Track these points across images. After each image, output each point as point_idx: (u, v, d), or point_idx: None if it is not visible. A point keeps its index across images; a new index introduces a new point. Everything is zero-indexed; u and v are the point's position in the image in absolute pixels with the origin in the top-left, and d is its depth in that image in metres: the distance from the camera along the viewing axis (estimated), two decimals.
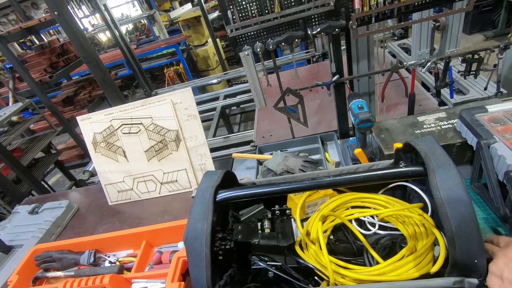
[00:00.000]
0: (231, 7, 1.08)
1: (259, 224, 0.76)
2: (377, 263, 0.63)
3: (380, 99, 1.45)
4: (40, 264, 1.11)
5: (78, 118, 1.40)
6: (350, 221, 0.72)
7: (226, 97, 2.94)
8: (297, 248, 0.70)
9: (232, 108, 3.11)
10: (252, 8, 1.08)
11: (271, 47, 1.14)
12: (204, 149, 1.34)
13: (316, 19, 1.09)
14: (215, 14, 5.51)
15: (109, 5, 3.12)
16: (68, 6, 2.35)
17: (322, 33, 1.09)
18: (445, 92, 1.61)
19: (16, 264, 1.11)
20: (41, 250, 1.13)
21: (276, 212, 0.78)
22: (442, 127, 1.07)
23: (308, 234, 0.71)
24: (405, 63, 1.24)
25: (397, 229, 0.69)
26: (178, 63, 5.15)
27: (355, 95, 1.14)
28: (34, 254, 1.12)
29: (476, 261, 0.49)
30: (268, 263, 0.69)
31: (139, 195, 1.43)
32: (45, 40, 3.47)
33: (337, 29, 1.08)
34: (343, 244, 0.71)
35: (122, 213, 1.39)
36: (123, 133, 1.36)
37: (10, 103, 2.75)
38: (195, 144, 1.33)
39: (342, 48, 1.19)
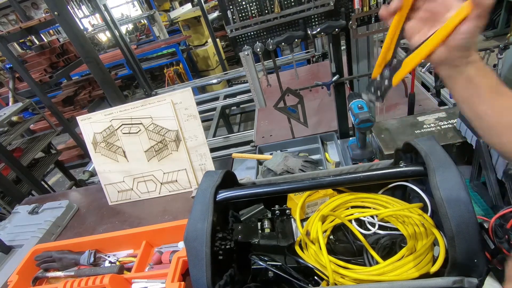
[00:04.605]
0: (231, 7, 1.08)
1: (259, 224, 0.76)
2: (377, 263, 0.63)
3: None
4: (40, 264, 1.11)
5: (78, 118, 1.40)
6: (350, 221, 0.72)
7: (226, 97, 2.94)
8: (297, 248, 0.70)
9: (232, 108, 3.11)
10: (252, 8, 1.08)
11: (271, 47, 1.14)
12: (204, 149, 1.34)
13: (316, 19, 1.09)
14: (215, 14, 5.51)
15: (109, 5, 3.12)
16: (68, 6, 2.35)
17: (322, 33, 1.09)
18: (445, 92, 1.61)
19: (16, 264, 1.11)
20: (41, 250, 1.13)
21: (276, 212, 0.78)
22: (442, 127, 1.07)
23: (308, 234, 0.71)
24: None
25: (397, 229, 0.69)
26: (178, 63, 5.15)
27: (355, 95, 1.14)
28: (34, 254, 1.12)
29: (476, 260, 0.49)
30: (268, 263, 0.69)
31: (139, 195, 1.43)
32: (45, 40, 3.48)
33: (337, 29, 1.08)
34: (343, 244, 0.71)
35: (122, 213, 1.39)
36: (123, 133, 1.36)
37: (10, 103, 2.75)
38: (195, 144, 1.33)
39: (342, 48, 1.19)
